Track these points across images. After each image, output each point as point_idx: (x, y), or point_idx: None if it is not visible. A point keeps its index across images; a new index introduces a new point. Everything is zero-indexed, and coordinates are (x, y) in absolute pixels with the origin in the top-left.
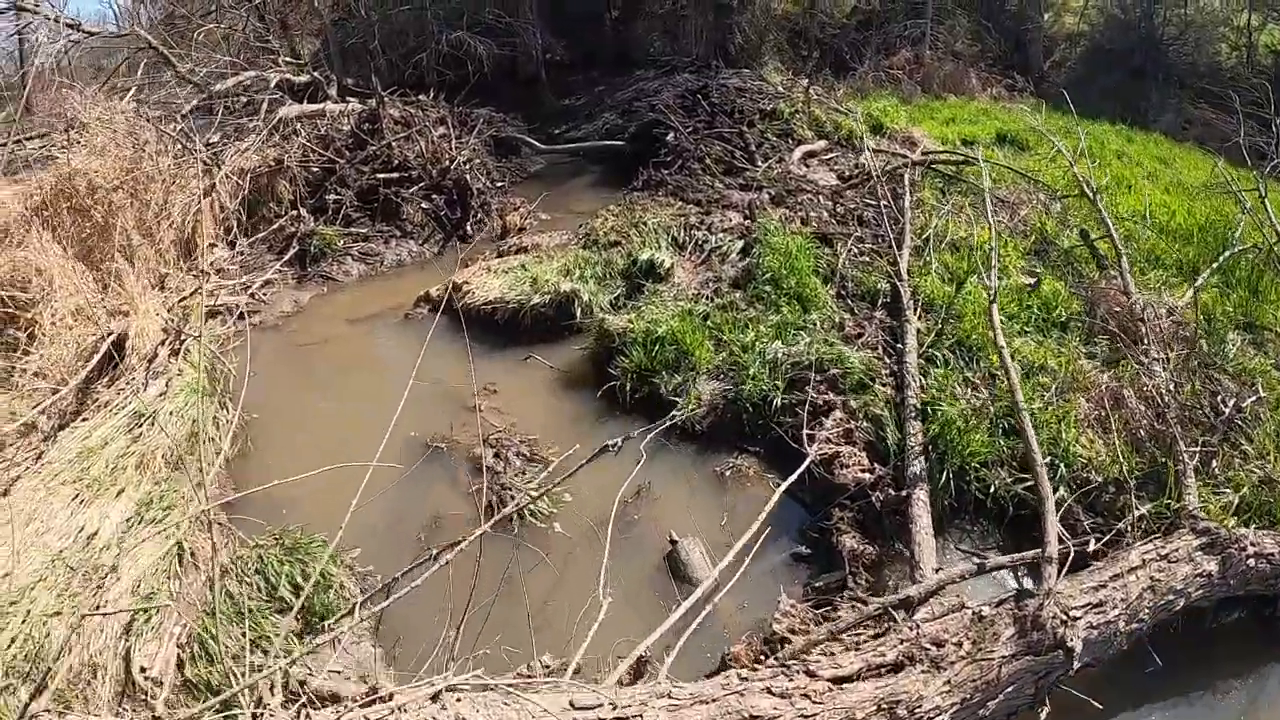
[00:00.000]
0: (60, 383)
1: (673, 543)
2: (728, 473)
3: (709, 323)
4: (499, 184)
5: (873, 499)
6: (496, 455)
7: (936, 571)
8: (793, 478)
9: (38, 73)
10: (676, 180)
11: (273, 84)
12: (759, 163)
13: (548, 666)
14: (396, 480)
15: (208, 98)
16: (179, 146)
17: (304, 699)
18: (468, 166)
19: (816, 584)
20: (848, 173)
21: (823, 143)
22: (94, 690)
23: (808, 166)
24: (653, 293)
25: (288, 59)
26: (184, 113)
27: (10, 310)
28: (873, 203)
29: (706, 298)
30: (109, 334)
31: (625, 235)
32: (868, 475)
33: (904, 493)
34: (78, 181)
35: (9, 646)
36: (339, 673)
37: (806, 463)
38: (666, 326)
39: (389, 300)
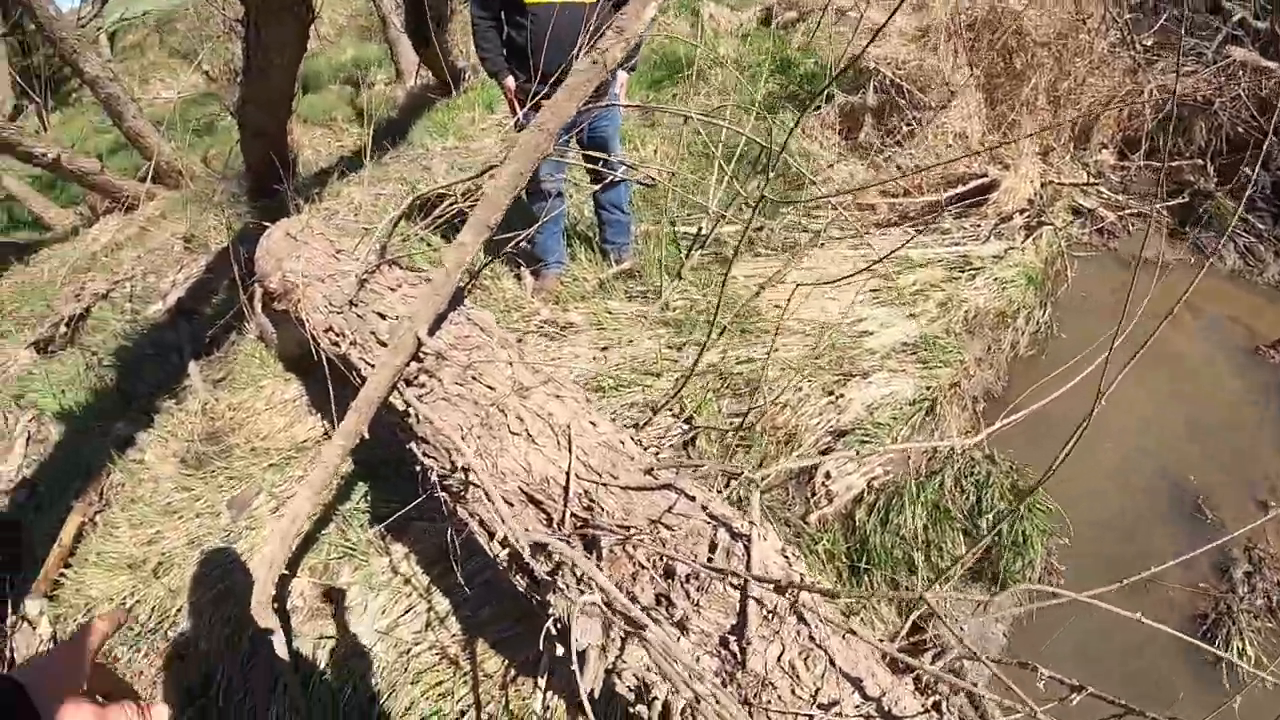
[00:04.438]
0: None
1: None
2: None
3: None
4: None
5: None
6: None
7: None
8: None
9: None
10: None
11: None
12: None
13: None
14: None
15: None
16: (1119, 35)
17: None
18: None
19: None
20: None
21: None
22: None
23: None
24: None
25: None
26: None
27: (901, 102)
28: None
29: None
30: (983, 175)
31: None
32: None
33: None
34: (1008, 21)
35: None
36: None
37: None
38: None
39: (1239, 311)
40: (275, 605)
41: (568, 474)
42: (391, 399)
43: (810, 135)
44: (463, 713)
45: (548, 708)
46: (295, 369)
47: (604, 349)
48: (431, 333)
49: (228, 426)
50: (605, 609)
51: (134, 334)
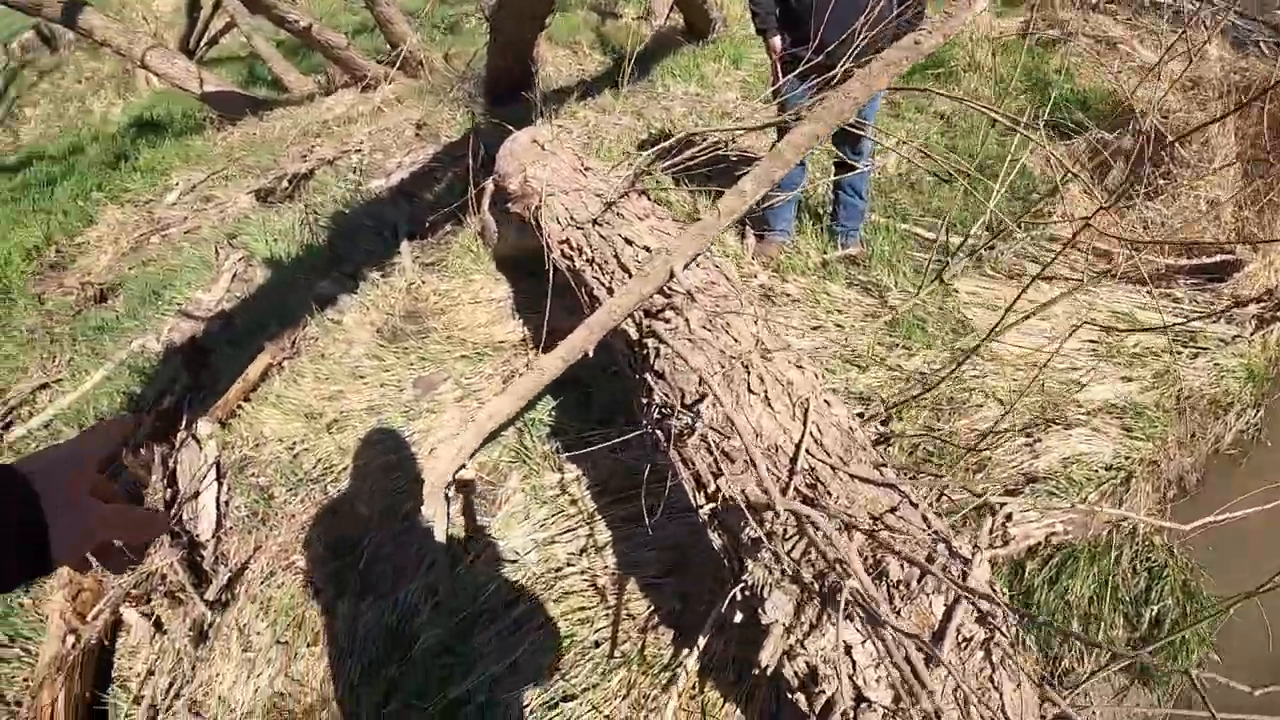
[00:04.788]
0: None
1: None
2: None
3: None
4: None
5: None
6: None
7: None
8: None
9: None
10: None
11: None
12: None
13: None
14: None
15: None
16: None
17: None
18: None
19: None
20: None
21: None
22: None
23: None
24: None
25: None
26: None
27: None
28: None
29: None
30: (1229, 251)
31: None
32: None
33: None
34: None
35: None
36: None
37: None
38: None
39: None
40: (445, 491)
41: (798, 446)
42: (625, 326)
43: (1054, 165)
44: (597, 644)
45: (678, 663)
46: (507, 271)
47: (814, 328)
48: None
49: (430, 310)
50: (804, 590)
51: (353, 203)
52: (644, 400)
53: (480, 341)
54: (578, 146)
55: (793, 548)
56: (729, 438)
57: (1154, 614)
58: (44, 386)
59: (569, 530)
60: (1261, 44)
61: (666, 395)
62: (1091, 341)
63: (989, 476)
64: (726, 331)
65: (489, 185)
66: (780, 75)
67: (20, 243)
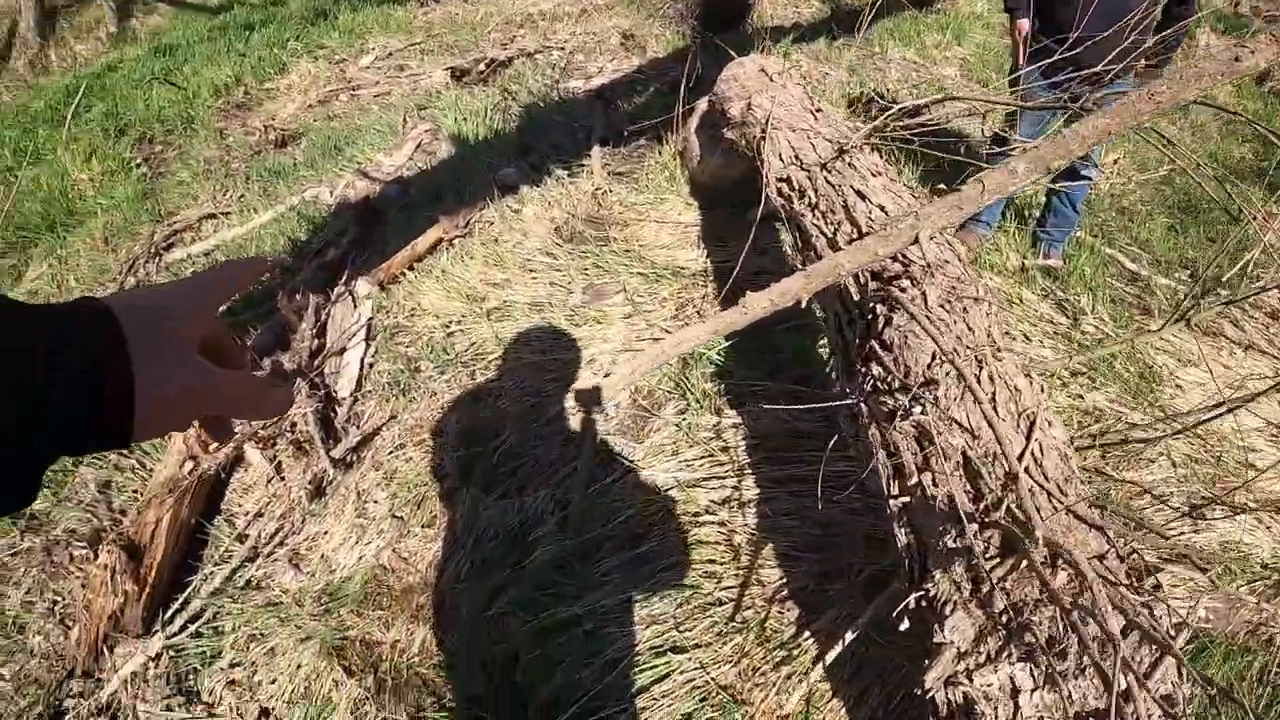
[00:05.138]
0: None
1: None
2: None
3: None
4: None
5: None
6: None
7: None
8: None
9: None
10: None
11: None
12: None
13: None
14: None
15: None
16: None
17: None
18: None
19: None
20: None
21: None
22: None
23: None
24: None
25: None
26: None
27: None
28: None
29: None
30: None
31: None
32: None
33: None
34: None
35: None
36: None
37: None
38: None
39: None
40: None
41: (1020, 460)
42: (847, 284)
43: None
44: (720, 602)
45: (797, 644)
46: (701, 197)
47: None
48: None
49: (613, 219)
50: (991, 618)
51: (549, 98)
52: (860, 368)
53: (660, 262)
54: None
55: (991, 570)
56: (946, 432)
57: None
58: (211, 216)
59: (715, 477)
60: None
61: (889, 370)
62: (1275, 425)
63: (1144, 538)
64: (964, 318)
65: (701, 105)
66: (1022, 63)
67: (211, 79)
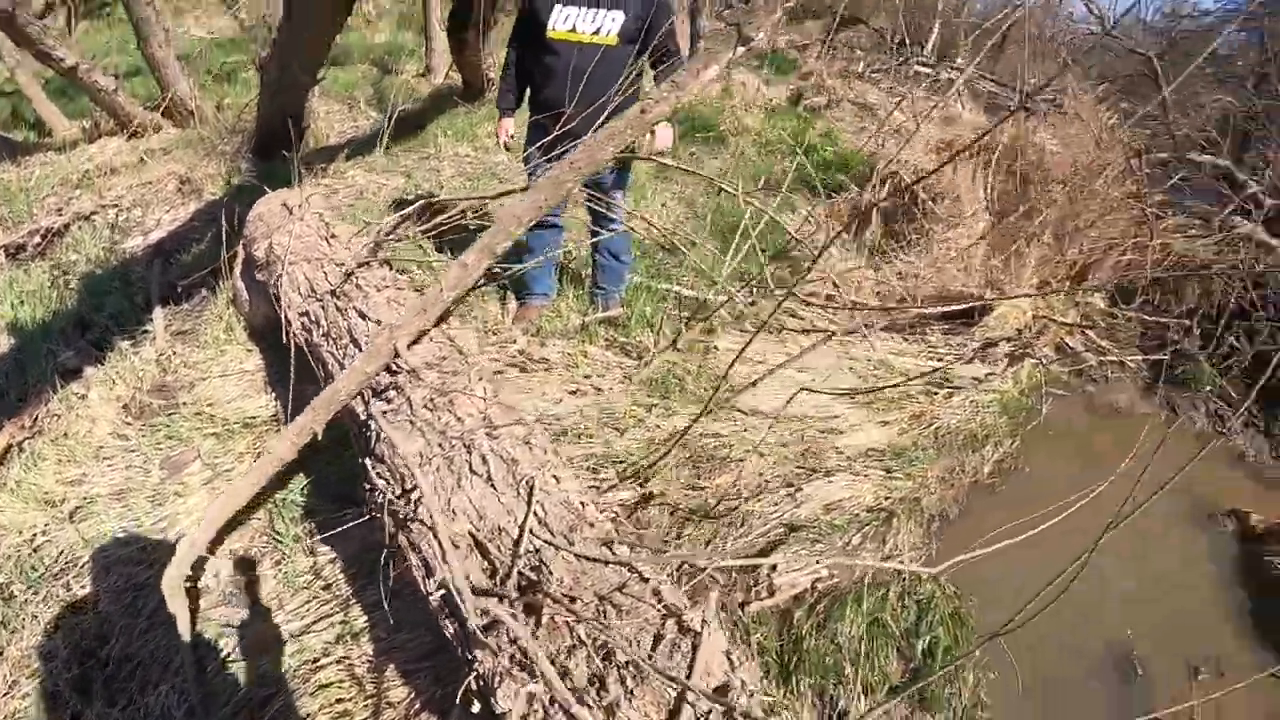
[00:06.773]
0: (911, 298)
1: None
2: None
3: None
4: None
5: None
6: None
7: None
8: None
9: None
10: None
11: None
12: None
13: None
14: None
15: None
16: (1133, 186)
17: None
18: None
19: None
20: None
21: None
22: None
23: None
24: None
25: None
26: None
27: (912, 206)
28: None
29: None
30: (978, 297)
31: None
32: None
33: None
34: (1030, 153)
35: None
36: None
37: None
38: None
39: (1201, 475)
40: (188, 584)
41: (521, 528)
42: (354, 405)
43: (815, 223)
44: None
45: None
46: (261, 342)
47: (573, 392)
48: (411, 347)
49: (179, 383)
50: (533, 680)
51: (107, 263)
52: (366, 486)
53: (231, 418)
54: (331, 210)
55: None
56: (452, 521)
57: (926, 645)
58: None
59: (324, 617)
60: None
61: (387, 479)
62: (848, 391)
63: (750, 530)
64: (450, 410)
65: (240, 250)
66: (526, 144)
67: None
